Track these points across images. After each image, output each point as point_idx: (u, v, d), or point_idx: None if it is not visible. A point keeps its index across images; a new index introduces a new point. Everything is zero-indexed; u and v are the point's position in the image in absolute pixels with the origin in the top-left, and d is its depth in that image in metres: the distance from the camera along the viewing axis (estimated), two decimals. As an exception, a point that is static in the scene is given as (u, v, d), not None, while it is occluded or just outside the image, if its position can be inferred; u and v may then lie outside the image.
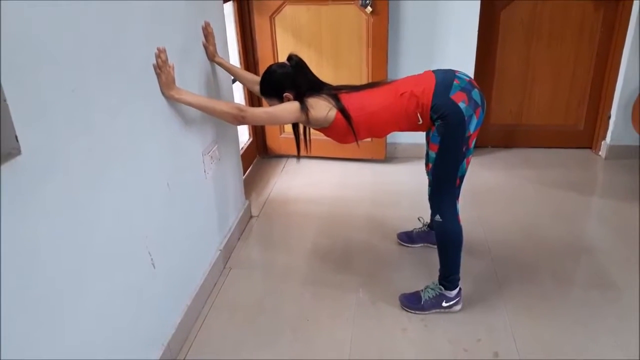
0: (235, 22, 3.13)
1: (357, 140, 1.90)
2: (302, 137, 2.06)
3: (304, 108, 1.84)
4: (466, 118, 1.76)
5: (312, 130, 2.05)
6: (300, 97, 1.88)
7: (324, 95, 1.88)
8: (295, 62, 1.93)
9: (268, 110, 1.93)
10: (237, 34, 3.16)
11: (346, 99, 1.87)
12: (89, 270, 1.33)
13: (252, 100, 3.30)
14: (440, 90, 1.77)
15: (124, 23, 1.45)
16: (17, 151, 1.05)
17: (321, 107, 1.85)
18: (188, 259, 2.01)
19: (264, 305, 2.12)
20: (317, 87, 1.94)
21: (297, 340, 1.92)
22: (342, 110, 1.84)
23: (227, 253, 2.43)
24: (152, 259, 1.67)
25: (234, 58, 2.94)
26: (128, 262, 1.54)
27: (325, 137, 1.96)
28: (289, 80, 1.91)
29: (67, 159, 1.22)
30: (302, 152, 2.08)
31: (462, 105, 1.75)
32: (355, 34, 3.07)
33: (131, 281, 1.56)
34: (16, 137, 1.04)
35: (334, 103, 1.85)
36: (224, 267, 2.36)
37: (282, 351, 1.87)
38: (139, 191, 1.59)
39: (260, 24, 3.14)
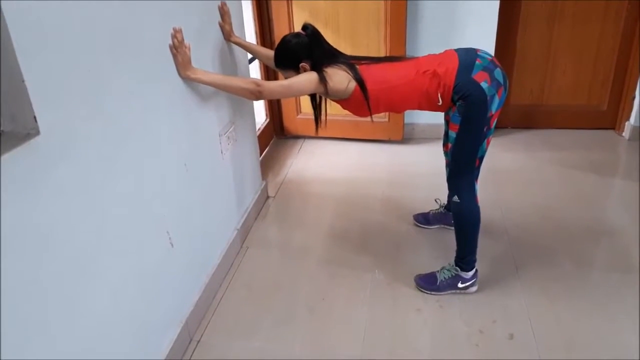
0: (252, 2, 3.11)
1: (371, 115, 1.87)
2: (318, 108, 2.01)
3: (323, 79, 1.79)
4: (488, 98, 1.73)
5: (328, 110, 2.03)
6: (317, 68, 1.84)
7: (342, 66, 1.83)
8: (311, 31, 1.87)
9: (284, 83, 1.88)
10: (253, 14, 3.14)
11: (365, 70, 1.83)
12: (106, 250, 1.35)
13: (269, 77, 3.30)
14: (463, 71, 1.74)
15: (139, 3, 1.45)
16: (35, 131, 1.06)
17: (341, 78, 1.81)
18: (206, 238, 2.04)
19: (280, 284, 2.15)
20: (334, 56, 1.89)
21: (312, 319, 1.94)
22: (360, 81, 1.80)
23: (244, 233, 2.45)
24: (170, 238, 1.69)
25: (250, 39, 2.92)
26: (146, 241, 1.56)
27: (341, 118, 1.94)
28: (304, 50, 1.85)
29: (84, 139, 1.23)
30: (319, 127, 2.02)
31: (484, 85, 1.72)
32: (373, 14, 3.02)
33: (149, 260, 1.58)
34: (35, 117, 1.05)
35: (352, 74, 1.81)
36: (241, 247, 2.39)
37: (298, 329, 1.89)
38: (157, 171, 1.60)
39: (277, 4, 3.11)
